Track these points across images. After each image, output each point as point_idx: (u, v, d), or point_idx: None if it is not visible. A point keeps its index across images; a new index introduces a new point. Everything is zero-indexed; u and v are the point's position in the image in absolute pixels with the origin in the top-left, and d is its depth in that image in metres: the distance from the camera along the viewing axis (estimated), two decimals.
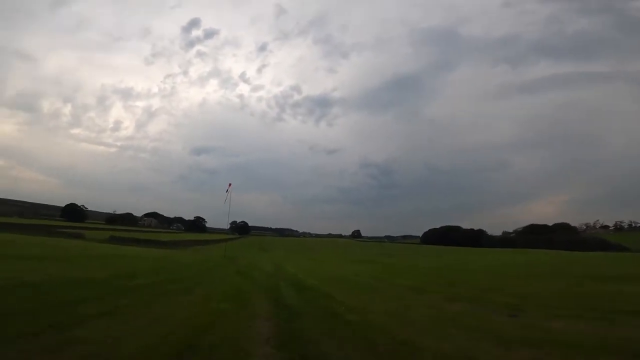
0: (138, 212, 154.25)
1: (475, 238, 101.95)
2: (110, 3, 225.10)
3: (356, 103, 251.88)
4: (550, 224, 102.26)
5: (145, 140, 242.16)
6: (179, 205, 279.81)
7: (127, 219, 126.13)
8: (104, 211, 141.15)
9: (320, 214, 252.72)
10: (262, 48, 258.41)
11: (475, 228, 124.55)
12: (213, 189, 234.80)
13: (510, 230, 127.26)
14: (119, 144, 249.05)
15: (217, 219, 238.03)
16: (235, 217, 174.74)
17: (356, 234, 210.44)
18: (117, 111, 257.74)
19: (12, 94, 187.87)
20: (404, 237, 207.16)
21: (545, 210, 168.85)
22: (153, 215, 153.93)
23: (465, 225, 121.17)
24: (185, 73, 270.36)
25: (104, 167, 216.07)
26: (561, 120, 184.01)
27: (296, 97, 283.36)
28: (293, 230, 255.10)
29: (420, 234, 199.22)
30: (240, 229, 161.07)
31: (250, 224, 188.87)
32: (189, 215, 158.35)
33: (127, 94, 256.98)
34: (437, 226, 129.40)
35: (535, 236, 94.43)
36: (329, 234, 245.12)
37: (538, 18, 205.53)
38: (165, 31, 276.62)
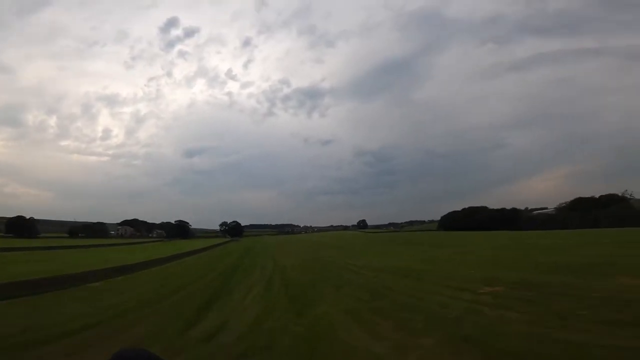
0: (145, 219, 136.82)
1: (509, 219, 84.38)
2: (80, 8, 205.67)
3: (347, 91, 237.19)
4: (597, 196, 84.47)
5: (136, 147, 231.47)
6: (177, 208, 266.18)
7: (95, 229, 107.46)
8: (69, 220, 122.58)
9: (321, 206, 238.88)
10: (247, 43, 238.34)
11: (499, 207, 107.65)
12: (209, 191, 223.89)
13: (533, 207, 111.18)
14: (110, 152, 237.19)
15: (209, 221, 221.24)
16: (230, 217, 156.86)
17: (362, 224, 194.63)
18: (104, 119, 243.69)
19: None
20: (410, 223, 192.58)
21: (546, 186, 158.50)
22: (131, 222, 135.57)
23: (470, 204, 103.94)
24: (169, 74, 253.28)
25: (98, 177, 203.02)
26: (553, 97, 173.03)
27: (285, 90, 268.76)
28: (294, 226, 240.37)
29: (425, 219, 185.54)
30: (232, 230, 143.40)
31: (247, 223, 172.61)
32: (188, 218, 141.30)
33: (112, 101, 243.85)
34: (445, 209, 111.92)
35: (582, 213, 76.90)
36: (331, 226, 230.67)
37: None
38: (142, 33, 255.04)
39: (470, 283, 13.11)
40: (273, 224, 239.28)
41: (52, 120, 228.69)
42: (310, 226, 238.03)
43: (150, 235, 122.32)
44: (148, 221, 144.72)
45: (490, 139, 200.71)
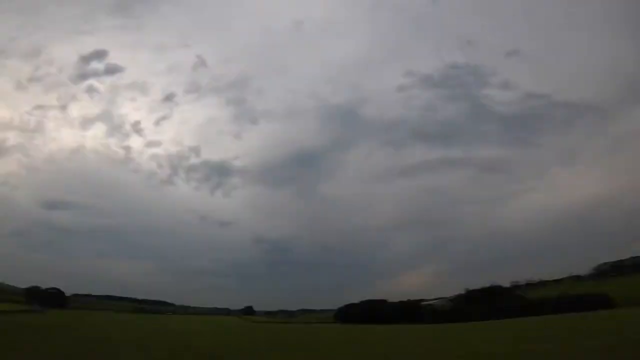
0: None
1: (411, 312, 70.91)
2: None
3: (257, 175, 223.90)
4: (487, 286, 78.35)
5: None
6: (16, 267, 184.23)
7: None
8: None
9: (205, 287, 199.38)
10: (168, 98, 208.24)
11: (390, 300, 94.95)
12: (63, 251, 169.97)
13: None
14: None
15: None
16: (75, 283, 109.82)
17: (248, 310, 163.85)
18: None
19: None
20: (304, 311, 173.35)
21: (415, 282, 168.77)
22: None
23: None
24: (63, 108, 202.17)
25: None
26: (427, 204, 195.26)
27: (194, 159, 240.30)
28: (167, 304, 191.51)
29: (317, 307, 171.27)
30: (44, 298, 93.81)
31: (101, 293, 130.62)
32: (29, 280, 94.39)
33: None
34: (338, 300, 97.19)
35: (478, 305, 68.31)
36: (215, 308, 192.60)
37: (420, 103, 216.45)
38: (59, 55, 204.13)
39: None
40: (139, 298, 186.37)
41: None
42: (188, 306, 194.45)
43: None
44: None
45: (376, 238, 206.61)
